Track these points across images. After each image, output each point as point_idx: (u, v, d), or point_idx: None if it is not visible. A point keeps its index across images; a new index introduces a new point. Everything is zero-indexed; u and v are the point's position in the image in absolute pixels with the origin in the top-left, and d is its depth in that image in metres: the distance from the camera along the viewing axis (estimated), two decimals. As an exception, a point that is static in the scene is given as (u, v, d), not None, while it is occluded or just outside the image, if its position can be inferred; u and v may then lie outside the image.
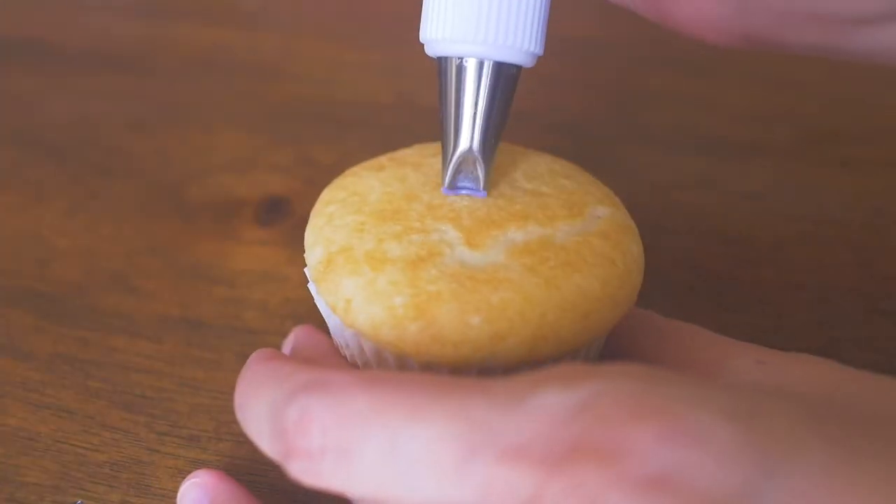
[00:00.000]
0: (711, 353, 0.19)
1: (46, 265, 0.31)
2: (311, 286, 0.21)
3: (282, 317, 0.29)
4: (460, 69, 0.21)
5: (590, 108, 0.39)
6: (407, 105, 0.40)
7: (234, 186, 0.35)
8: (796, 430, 0.13)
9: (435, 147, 0.24)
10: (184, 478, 0.24)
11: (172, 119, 0.39)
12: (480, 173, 0.21)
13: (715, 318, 0.29)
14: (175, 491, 0.24)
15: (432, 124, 0.38)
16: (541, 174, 0.23)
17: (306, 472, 0.15)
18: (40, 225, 0.33)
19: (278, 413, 0.16)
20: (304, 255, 0.21)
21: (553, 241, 0.20)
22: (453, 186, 0.21)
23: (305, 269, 0.21)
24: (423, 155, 0.23)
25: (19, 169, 0.36)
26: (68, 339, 0.29)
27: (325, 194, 0.22)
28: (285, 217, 0.33)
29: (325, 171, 0.36)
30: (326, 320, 0.22)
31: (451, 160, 0.21)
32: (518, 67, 0.21)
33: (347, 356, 0.21)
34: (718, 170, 0.35)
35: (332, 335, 0.22)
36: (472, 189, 0.21)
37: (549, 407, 0.14)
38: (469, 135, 0.21)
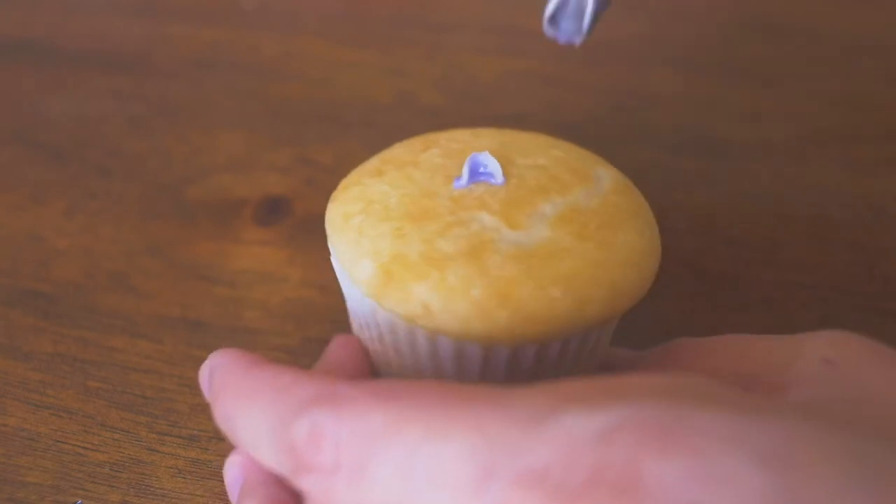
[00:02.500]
0: (769, 362, 0.18)
1: (46, 265, 0.31)
2: (362, 303, 0.21)
3: (282, 317, 0.29)
4: None
5: (590, 108, 0.39)
6: (407, 105, 0.40)
7: (233, 186, 0.35)
8: (834, 479, 0.13)
9: (419, 142, 0.24)
10: (184, 478, 0.24)
11: (172, 119, 0.39)
12: (588, 11, 0.20)
13: (715, 318, 0.29)
14: (175, 491, 0.24)
15: (432, 124, 0.38)
16: (531, 149, 0.23)
17: (317, 487, 0.15)
18: (40, 225, 0.33)
19: (285, 428, 0.15)
20: (344, 275, 0.21)
21: (580, 206, 0.21)
22: (553, 23, 0.20)
23: (349, 289, 0.21)
24: (413, 152, 0.23)
25: (19, 169, 0.36)
26: (68, 339, 0.29)
27: (339, 208, 0.22)
28: (285, 217, 0.33)
29: (325, 171, 0.36)
30: (353, 317, 0.22)
31: None
32: None
33: (378, 345, 0.22)
34: (718, 170, 0.35)
35: (358, 328, 0.22)
36: (569, 29, 0.20)
37: (569, 432, 0.13)
38: None
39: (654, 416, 0.13)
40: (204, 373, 0.19)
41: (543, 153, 0.23)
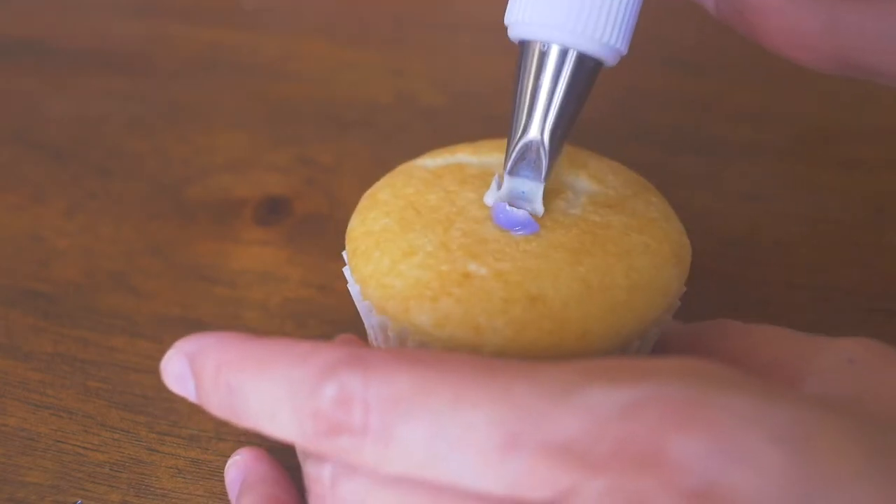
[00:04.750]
0: (795, 351, 0.18)
1: (46, 265, 0.31)
2: (370, 315, 0.21)
3: (282, 317, 0.29)
4: (543, 56, 0.20)
5: (589, 108, 0.39)
6: (407, 105, 0.40)
7: (234, 186, 0.35)
8: (853, 460, 0.13)
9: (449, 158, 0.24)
10: (184, 478, 0.24)
11: (172, 119, 0.39)
12: (544, 163, 0.21)
13: (715, 319, 0.29)
14: (175, 491, 0.24)
15: (432, 124, 0.38)
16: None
17: (343, 451, 0.15)
18: (40, 225, 0.33)
19: (309, 392, 0.15)
20: (356, 288, 0.21)
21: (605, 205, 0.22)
22: (514, 174, 0.21)
23: (360, 302, 0.21)
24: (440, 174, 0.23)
25: (19, 169, 0.36)
26: (68, 339, 0.29)
27: (361, 224, 0.22)
28: (285, 217, 0.33)
29: (325, 171, 0.36)
30: (365, 320, 0.22)
31: (515, 146, 0.21)
32: (600, 63, 0.21)
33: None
34: (718, 170, 0.35)
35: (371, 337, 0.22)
36: (531, 178, 0.21)
37: (595, 405, 0.14)
38: (540, 124, 0.20)
39: (678, 394, 0.14)
40: (178, 361, 0.18)
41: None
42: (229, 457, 0.25)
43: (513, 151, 0.21)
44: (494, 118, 0.38)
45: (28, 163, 0.36)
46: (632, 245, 0.20)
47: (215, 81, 0.41)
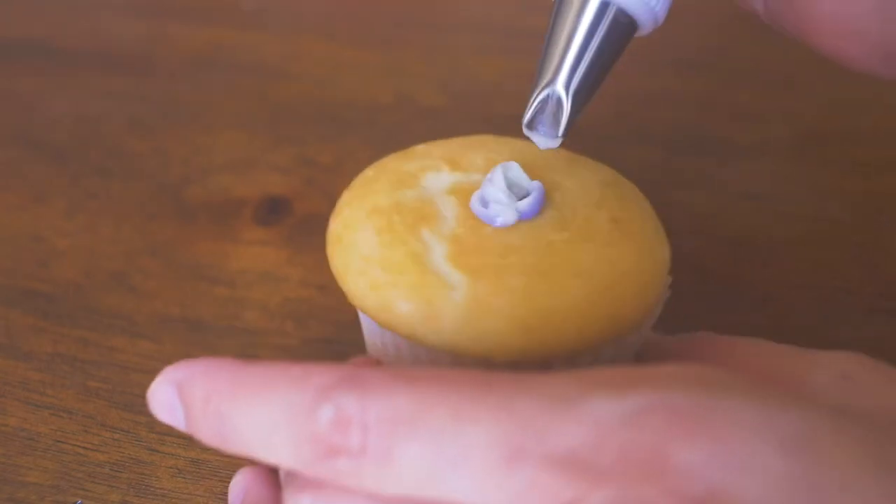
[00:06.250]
0: (786, 367, 0.18)
1: (46, 265, 0.31)
2: (382, 331, 0.21)
3: (282, 317, 0.29)
4: (581, 6, 0.20)
5: (590, 108, 0.39)
6: (407, 105, 0.40)
7: (234, 186, 0.35)
8: (856, 465, 0.13)
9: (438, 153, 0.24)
10: (184, 478, 0.24)
11: (172, 119, 0.39)
12: (563, 118, 0.20)
13: (715, 319, 0.29)
14: (175, 491, 0.24)
15: (432, 124, 0.38)
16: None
17: (342, 473, 0.15)
18: (40, 225, 0.33)
19: (306, 416, 0.15)
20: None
21: (591, 215, 0.22)
22: (532, 127, 0.21)
23: (366, 317, 0.21)
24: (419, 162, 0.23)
25: (19, 169, 0.36)
26: (68, 339, 0.29)
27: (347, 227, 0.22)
28: (285, 217, 0.33)
29: (325, 171, 0.36)
30: (369, 337, 0.22)
31: (536, 96, 0.20)
32: (635, 26, 0.20)
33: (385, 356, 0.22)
34: (718, 170, 0.35)
35: (368, 338, 0.22)
36: (547, 133, 0.21)
37: (597, 414, 0.14)
38: (567, 76, 0.20)
39: (682, 402, 0.13)
40: (166, 390, 0.17)
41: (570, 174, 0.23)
42: (229, 457, 0.25)
43: (533, 101, 0.20)
44: (494, 118, 0.38)
45: (28, 163, 0.36)
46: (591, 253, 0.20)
47: (215, 81, 0.41)
